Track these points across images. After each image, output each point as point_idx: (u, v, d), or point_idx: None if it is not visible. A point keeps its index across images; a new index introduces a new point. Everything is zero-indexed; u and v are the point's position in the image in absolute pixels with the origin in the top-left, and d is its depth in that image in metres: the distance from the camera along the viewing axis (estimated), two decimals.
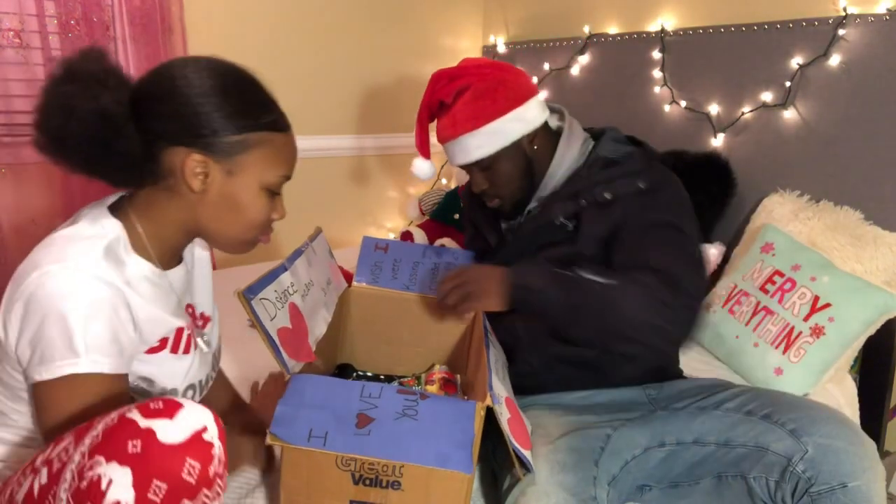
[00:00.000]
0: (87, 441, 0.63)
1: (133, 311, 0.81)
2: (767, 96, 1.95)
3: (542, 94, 2.59)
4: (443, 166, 2.83)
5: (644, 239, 1.15)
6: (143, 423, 0.62)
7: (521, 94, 1.26)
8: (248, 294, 0.90)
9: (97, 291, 0.77)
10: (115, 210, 0.88)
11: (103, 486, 0.59)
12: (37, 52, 1.93)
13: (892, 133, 1.71)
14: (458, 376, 1.34)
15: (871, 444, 0.99)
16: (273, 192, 0.90)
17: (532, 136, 1.28)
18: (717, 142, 2.08)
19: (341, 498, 0.87)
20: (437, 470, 0.84)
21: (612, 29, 2.41)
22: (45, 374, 0.76)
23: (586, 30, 2.47)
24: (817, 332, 1.51)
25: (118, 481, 0.59)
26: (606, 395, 1.24)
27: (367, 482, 0.85)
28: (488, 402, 0.87)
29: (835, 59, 1.80)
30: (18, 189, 1.98)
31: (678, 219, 1.19)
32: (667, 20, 2.22)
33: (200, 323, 1.01)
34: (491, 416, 0.89)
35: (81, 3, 1.94)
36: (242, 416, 1.19)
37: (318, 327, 1.13)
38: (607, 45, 2.42)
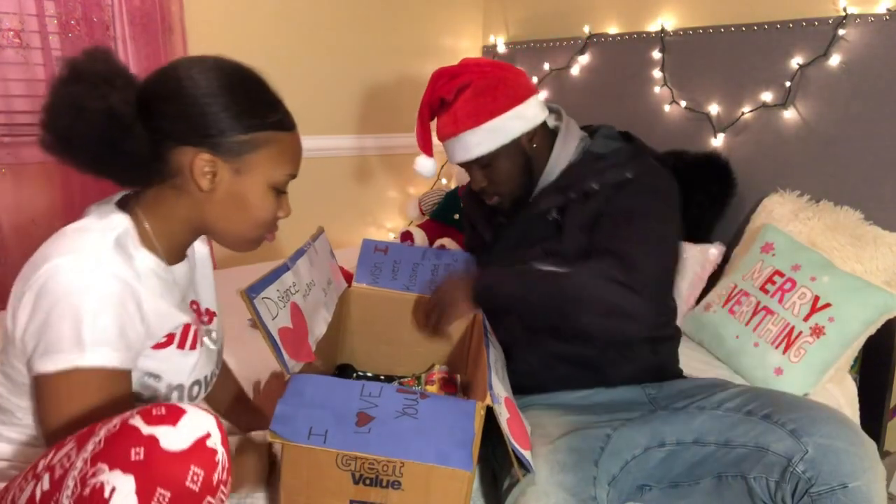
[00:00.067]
0: (90, 447, 0.63)
1: (141, 304, 0.82)
2: (767, 96, 1.96)
3: (543, 95, 2.60)
4: (443, 166, 2.83)
5: (615, 226, 1.18)
6: (146, 429, 0.62)
7: (522, 93, 1.28)
8: (251, 293, 0.90)
9: (107, 285, 0.78)
10: (122, 206, 0.88)
11: (106, 493, 0.59)
12: (37, 52, 1.93)
13: (892, 133, 1.71)
14: (458, 376, 1.34)
15: (871, 444, 0.99)
16: (279, 191, 0.91)
17: (531, 135, 1.29)
18: (717, 142, 2.08)
19: (341, 498, 0.87)
20: (437, 468, 0.84)
21: (612, 29, 2.41)
22: (49, 365, 0.76)
23: (586, 30, 2.47)
24: (817, 331, 1.51)
25: (121, 489, 0.59)
26: (606, 395, 1.24)
27: (368, 482, 0.85)
28: (488, 401, 0.87)
29: (835, 59, 1.80)
30: (18, 189, 1.98)
31: (652, 208, 1.19)
32: (667, 20, 2.22)
33: (206, 319, 1.01)
34: (491, 417, 0.89)
35: (81, 3, 1.94)
36: (246, 413, 1.20)
37: (318, 327, 1.13)
38: (607, 45, 2.42)
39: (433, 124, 1.37)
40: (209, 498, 0.64)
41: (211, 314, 1.03)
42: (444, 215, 2.61)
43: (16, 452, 0.87)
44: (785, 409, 1.04)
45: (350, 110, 2.72)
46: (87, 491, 0.60)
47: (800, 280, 1.58)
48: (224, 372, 1.19)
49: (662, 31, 2.22)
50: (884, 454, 1.81)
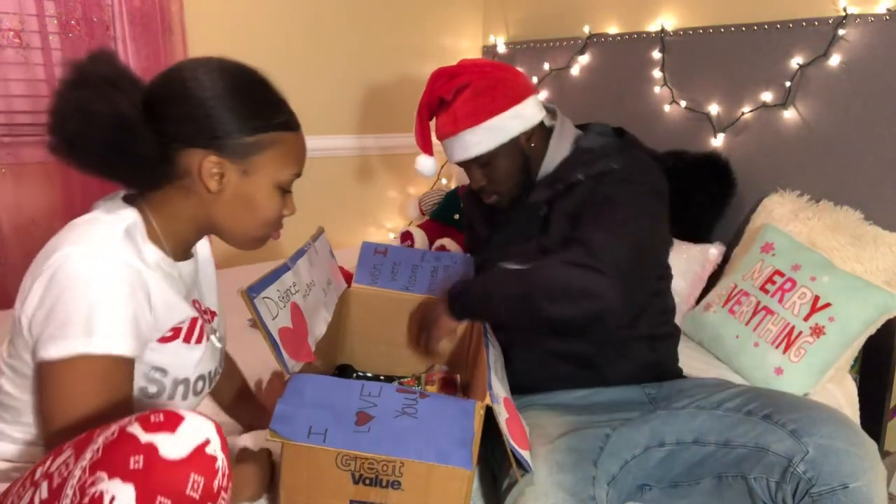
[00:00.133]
0: (88, 455, 0.62)
1: (150, 294, 0.82)
2: (767, 96, 1.95)
3: (541, 95, 2.60)
4: (443, 166, 2.83)
5: (590, 215, 1.18)
6: (145, 437, 0.61)
7: (520, 93, 1.29)
8: (252, 292, 0.91)
9: (118, 273, 0.78)
10: (128, 202, 0.89)
11: (106, 502, 0.59)
12: (37, 52, 1.93)
13: (892, 133, 1.71)
14: (458, 376, 1.34)
15: (871, 444, 0.99)
16: (285, 190, 0.92)
17: (529, 134, 1.30)
18: (717, 142, 2.08)
19: (341, 497, 0.87)
20: (437, 467, 0.84)
21: (612, 29, 2.41)
22: (54, 351, 0.76)
23: (586, 30, 2.47)
24: (817, 331, 1.51)
25: (121, 498, 0.59)
26: (606, 395, 1.24)
27: (367, 481, 0.85)
28: (487, 401, 0.87)
29: (835, 59, 1.80)
30: (18, 189, 1.98)
31: (629, 196, 1.19)
32: (667, 20, 2.22)
33: (208, 317, 1.01)
34: (490, 417, 0.89)
35: (81, 3, 1.94)
36: (249, 410, 1.21)
37: (318, 327, 1.13)
38: (607, 45, 2.42)
39: (432, 124, 1.37)
40: None
41: (212, 314, 1.04)
42: (444, 215, 2.61)
43: (21, 453, 0.86)
44: (785, 410, 1.04)
45: (350, 110, 2.72)
46: (87, 500, 0.59)
47: (800, 280, 1.58)
48: (230, 367, 1.20)
49: (662, 31, 2.22)
50: (884, 454, 1.80)
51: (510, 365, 1.21)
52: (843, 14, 1.77)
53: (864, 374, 1.75)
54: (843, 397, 1.60)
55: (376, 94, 2.77)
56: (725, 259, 1.94)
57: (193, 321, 0.91)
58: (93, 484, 0.60)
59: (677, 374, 1.33)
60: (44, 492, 0.64)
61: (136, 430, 0.62)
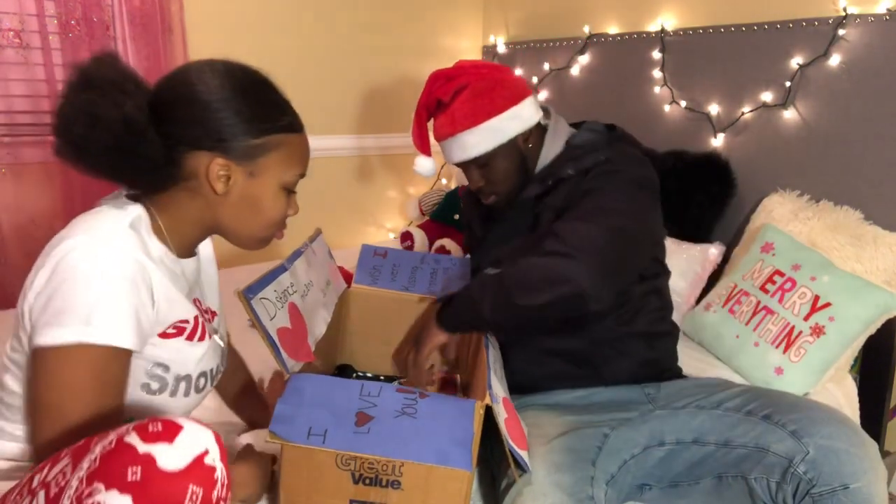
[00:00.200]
0: (85, 465, 0.61)
1: (153, 287, 0.82)
2: (767, 96, 1.95)
3: (543, 95, 2.60)
4: (443, 166, 2.83)
5: (573, 208, 1.18)
6: (142, 448, 0.60)
7: (518, 94, 1.29)
8: (248, 293, 0.90)
9: (122, 264, 0.78)
10: (133, 201, 0.89)
11: None
12: (37, 52, 1.93)
13: (892, 133, 1.71)
14: (458, 376, 1.34)
15: (872, 444, 0.99)
16: (289, 191, 0.93)
17: (527, 135, 1.31)
18: (717, 142, 2.08)
19: (341, 498, 0.87)
20: (436, 468, 0.84)
21: (612, 29, 2.41)
22: (49, 338, 0.75)
23: (586, 30, 2.47)
24: (817, 331, 1.51)
25: None
26: (605, 395, 1.24)
27: (367, 482, 0.85)
28: (487, 400, 0.87)
29: (835, 59, 1.80)
30: (18, 189, 1.98)
31: (610, 187, 1.18)
32: (667, 20, 2.22)
33: (208, 316, 1.01)
34: (489, 417, 0.89)
35: (81, 3, 1.94)
36: (251, 407, 1.21)
37: (317, 328, 1.13)
38: (607, 45, 2.42)
39: (430, 125, 1.38)
40: None
41: (212, 313, 1.04)
42: (443, 215, 2.61)
43: (24, 451, 0.86)
44: (785, 410, 1.04)
45: (350, 110, 2.72)
46: None
47: (800, 280, 1.58)
48: (237, 362, 1.20)
49: (662, 31, 2.21)
50: (884, 454, 1.80)
51: (508, 364, 1.21)
52: (843, 14, 1.77)
53: (864, 374, 1.75)
54: (843, 397, 1.60)
55: (376, 94, 2.77)
56: (725, 259, 1.94)
57: (196, 319, 0.91)
58: (90, 495, 0.59)
59: (677, 373, 1.33)
60: (41, 501, 0.63)
61: (133, 439, 0.61)
